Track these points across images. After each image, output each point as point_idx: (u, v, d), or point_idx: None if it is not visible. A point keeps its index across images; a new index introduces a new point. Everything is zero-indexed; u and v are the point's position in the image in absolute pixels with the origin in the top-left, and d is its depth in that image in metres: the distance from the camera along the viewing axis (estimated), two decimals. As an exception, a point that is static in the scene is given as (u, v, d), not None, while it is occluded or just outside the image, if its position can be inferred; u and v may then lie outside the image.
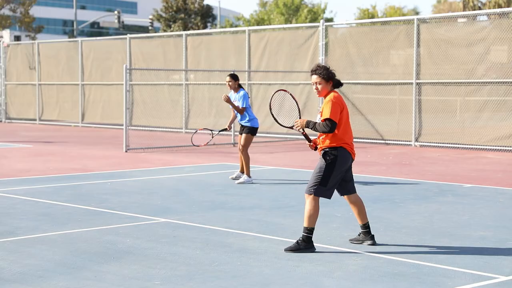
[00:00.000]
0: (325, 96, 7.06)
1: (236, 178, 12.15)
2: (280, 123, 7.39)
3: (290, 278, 6.02)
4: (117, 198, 10.27)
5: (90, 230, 7.99)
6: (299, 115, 7.24)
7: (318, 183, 6.91)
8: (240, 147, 12.10)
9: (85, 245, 7.23)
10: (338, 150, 6.93)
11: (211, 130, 12.33)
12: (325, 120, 6.87)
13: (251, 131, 12.12)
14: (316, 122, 6.97)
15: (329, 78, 6.97)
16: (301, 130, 7.07)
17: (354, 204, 7.21)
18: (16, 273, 6.13)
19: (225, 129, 12.55)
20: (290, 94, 7.41)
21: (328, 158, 6.92)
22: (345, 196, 7.21)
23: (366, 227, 7.23)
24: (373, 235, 7.25)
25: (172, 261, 6.57)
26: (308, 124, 6.96)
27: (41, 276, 6.03)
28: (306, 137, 7.12)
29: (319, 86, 7.00)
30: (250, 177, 12.01)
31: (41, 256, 6.74)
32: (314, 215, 6.95)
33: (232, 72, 12.65)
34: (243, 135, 12.13)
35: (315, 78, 7.00)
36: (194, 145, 12.28)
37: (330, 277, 6.03)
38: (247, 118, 12.13)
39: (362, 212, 7.22)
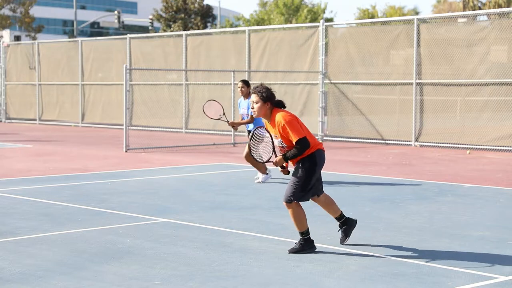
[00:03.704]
0: (266, 117, 6.87)
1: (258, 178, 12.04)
2: (258, 159, 7.02)
3: (290, 278, 6.02)
4: (117, 198, 10.27)
5: (90, 230, 7.99)
6: (274, 151, 6.91)
7: (298, 190, 6.82)
8: (245, 155, 11.73)
9: (85, 245, 7.23)
10: (315, 154, 6.86)
11: (222, 114, 11.22)
12: (296, 143, 6.71)
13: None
14: (289, 152, 6.79)
15: (266, 99, 6.80)
16: (281, 167, 6.92)
17: (325, 200, 7.14)
18: (16, 273, 6.13)
19: (227, 122, 11.73)
20: (265, 130, 7.03)
21: (307, 165, 6.82)
22: (315, 196, 7.05)
23: (341, 217, 7.24)
24: (345, 228, 7.22)
25: (172, 261, 6.57)
26: (286, 158, 6.82)
27: (41, 276, 6.03)
28: (285, 167, 6.96)
29: (255, 106, 6.83)
30: (267, 173, 11.94)
31: (41, 256, 6.74)
32: (302, 218, 6.90)
33: (244, 79, 12.43)
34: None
35: (253, 96, 6.87)
36: (205, 114, 11.07)
37: (330, 277, 6.03)
38: (258, 125, 11.96)
39: (334, 206, 7.20)
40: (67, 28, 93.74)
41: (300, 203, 6.91)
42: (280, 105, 6.91)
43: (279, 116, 6.76)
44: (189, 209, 9.43)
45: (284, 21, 57.83)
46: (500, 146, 17.65)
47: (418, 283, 5.85)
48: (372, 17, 67.06)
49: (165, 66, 25.17)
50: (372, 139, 20.16)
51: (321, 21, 21.48)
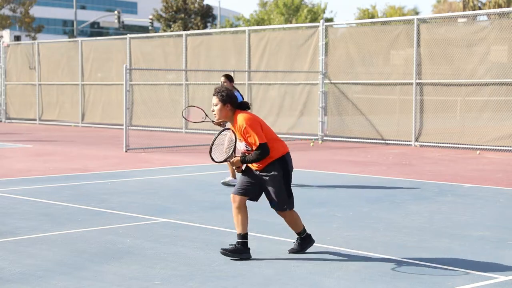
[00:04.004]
0: (228, 119, 6.68)
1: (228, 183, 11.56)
2: (214, 158, 6.83)
3: (290, 278, 6.02)
4: (117, 198, 10.27)
5: (90, 230, 7.99)
6: (233, 152, 6.74)
7: (286, 198, 6.77)
8: None
9: (85, 245, 7.23)
10: (286, 157, 6.77)
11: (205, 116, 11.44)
12: (257, 148, 6.52)
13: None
14: (248, 156, 6.60)
15: (226, 101, 6.58)
16: (238, 168, 6.75)
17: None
18: (16, 273, 6.13)
19: (212, 122, 11.68)
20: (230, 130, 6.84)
21: (282, 172, 6.72)
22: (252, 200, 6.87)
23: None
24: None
25: (172, 261, 6.57)
26: (245, 161, 6.62)
27: (41, 276, 6.03)
28: (240, 167, 6.76)
29: (215, 108, 6.64)
30: (235, 178, 11.42)
31: (41, 256, 6.74)
32: (296, 220, 6.90)
33: (227, 73, 11.94)
34: None
35: (213, 99, 6.68)
36: (185, 118, 11.46)
37: (330, 277, 6.03)
38: None
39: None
40: (67, 28, 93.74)
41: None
42: (245, 106, 6.70)
43: (241, 119, 6.56)
44: (189, 209, 9.43)
45: (284, 21, 57.84)
46: (500, 146, 17.65)
47: (418, 283, 5.85)
48: (372, 17, 67.07)
49: (165, 66, 25.17)
50: (372, 139, 20.15)
51: (321, 21, 21.49)
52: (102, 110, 27.40)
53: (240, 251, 6.63)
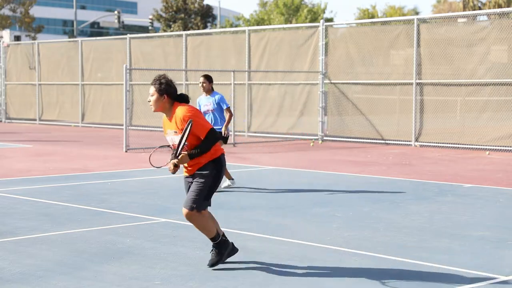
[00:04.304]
0: (166, 111, 6.20)
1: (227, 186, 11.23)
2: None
3: (290, 278, 6.02)
4: (117, 198, 10.27)
5: (90, 230, 7.99)
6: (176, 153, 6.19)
7: (201, 198, 6.15)
8: None
9: (85, 245, 7.22)
10: (221, 158, 6.26)
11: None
12: (206, 135, 6.06)
13: (223, 138, 11.07)
14: (196, 148, 6.10)
15: (163, 92, 6.10)
16: (174, 165, 6.17)
17: (210, 215, 6.48)
18: (16, 273, 6.13)
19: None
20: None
21: (215, 172, 6.18)
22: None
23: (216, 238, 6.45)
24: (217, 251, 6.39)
25: (172, 261, 6.57)
26: (192, 155, 6.11)
27: (41, 276, 6.03)
28: (177, 167, 6.21)
29: (151, 98, 6.14)
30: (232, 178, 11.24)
31: (41, 256, 6.74)
32: (207, 224, 6.28)
33: (207, 73, 11.65)
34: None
35: (150, 88, 6.20)
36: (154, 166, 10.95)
37: (330, 277, 6.03)
38: (222, 124, 11.13)
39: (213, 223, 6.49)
40: (67, 28, 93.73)
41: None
42: (183, 99, 6.23)
43: (182, 110, 6.08)
44: (189, 209, 9.42)
45: (284, 21, 57.84)
46: (500, 146, 17.65)
47: (418, 283, 5.85)
48: (372, 17, 67.07)
49: (165, 66, 25.16)
50: (372, 139, 20.15)
51: (321, 21, 21.49)
52: (102, 110, 27.40)
53: (221, 252, 6.30)
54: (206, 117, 11.08)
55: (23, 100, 30.67)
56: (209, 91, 11.24)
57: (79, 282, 5.88)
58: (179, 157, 6.12)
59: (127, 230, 7.96)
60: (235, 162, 15.03)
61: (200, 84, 11.28)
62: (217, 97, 11.22)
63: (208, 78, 11.27)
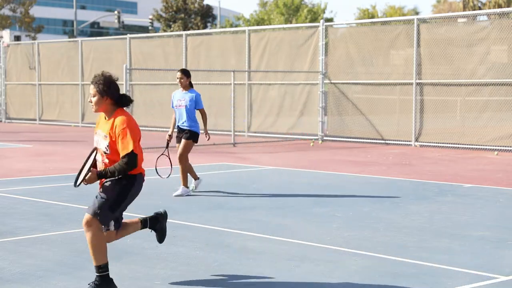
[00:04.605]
0: (107, 113, 5.75)
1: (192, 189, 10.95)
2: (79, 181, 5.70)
3: (290, 278, 6.02)
4: (117, 198, 10.24)
5: (90, 230, 7.98)
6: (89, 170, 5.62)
7: (106, 208, 5.60)
8: (179, 155, 10.63)
9: (85, 245, 7.19)
10: (137, 176, 5.71)
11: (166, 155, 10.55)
12: (126, 156, 5.53)
13: (193, 136, 10.70)
14: (111, 167, 5.55)
15: (103, 94, 5.69)
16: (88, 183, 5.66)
17: (118, 235, 5.98)
18: (16, 273, 6.13)
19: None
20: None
21: (124, 183, 5.62)
22: (112, 229, 5.84)
23: (145, 224, 6.20)
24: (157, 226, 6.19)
25: (172, 261, 6.57)
26: (102, 175, 5.57)
27: (41, 276, 6.03)
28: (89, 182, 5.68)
29: (93, 99, 5.74)
30: (188, 187, 10.79)
31: (41, 256, 6.74)
32: (102, 246, 5.60)
33: (184, 68, 11.13)
34: (183, 140, 10.64)
35: (91, 88, 5.82)
36: (161, 176, 10.58)
37: (330, 277, 6.03)
38: (191, 122, 10.70)
39: (129, 228, 6.09)
40: (67, 28, 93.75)
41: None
42: (125, 100, 5.77)
43: (122, 119, 5.62)
44: (189, 209, 9.43)
45: (284, 21, 57.84)
46: (500, 146, 17.65)
47: (418, 283, 5.85)
48: (372, 17, 67.08)
49: (165, 66, 25.16)
50: (372, 139, 20.15)
51: (321, 21, 21.49)
52: (102, 110, 27.39)
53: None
54: (176, 111, 10.80)
55: (23, 100, 30.68)
56: (186, 86, 10.85)
57: (79, 282, 5.88)
58: (86, 177, 5.60)
59: (127, 230, 7.95)
60: (235, 162, 15.03)
61: (178, 80, 10.89)
62: (193, 95, 10.80)
63: (186, 73, 10.88)
